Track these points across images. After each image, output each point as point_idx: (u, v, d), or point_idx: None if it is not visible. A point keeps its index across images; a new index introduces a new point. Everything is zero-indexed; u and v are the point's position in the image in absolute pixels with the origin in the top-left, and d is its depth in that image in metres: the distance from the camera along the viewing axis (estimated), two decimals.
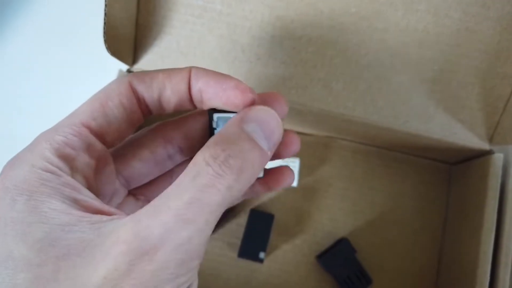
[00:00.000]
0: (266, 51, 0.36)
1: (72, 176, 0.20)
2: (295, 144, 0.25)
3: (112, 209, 0.20)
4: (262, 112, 0.21)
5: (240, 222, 0.43)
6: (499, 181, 0.37)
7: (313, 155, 0.45)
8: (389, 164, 0.45)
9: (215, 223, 0.19)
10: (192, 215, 0.18)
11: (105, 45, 0.33)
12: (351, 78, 0.36)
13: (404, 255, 0.43)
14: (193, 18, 0.36)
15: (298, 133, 0.44)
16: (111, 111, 0.22)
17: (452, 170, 0.44)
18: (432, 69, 0.35)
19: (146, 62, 0.37)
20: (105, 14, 0.32)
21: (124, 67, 0.37)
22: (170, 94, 0.23)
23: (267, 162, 0.21)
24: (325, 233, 0.43)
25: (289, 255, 0.43)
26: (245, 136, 0.20)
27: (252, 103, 0.22)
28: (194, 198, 0.18)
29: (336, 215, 0.44)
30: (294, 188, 0.43)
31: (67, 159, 0.20)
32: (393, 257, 0.43)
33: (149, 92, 0.22)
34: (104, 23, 0.32)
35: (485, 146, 0.37)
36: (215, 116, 0.23)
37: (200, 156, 0.19)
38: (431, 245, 0.43)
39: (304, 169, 0.44)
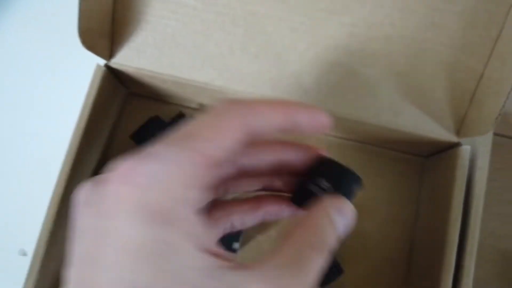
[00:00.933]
0: (239, 46, 0.37)
1: (191, 206, 0.19)
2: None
3: (223, 252, 0.20)
4: (346, 206, 0.24)
5: None
6: (466, 172, 0.38)
7: None
8: (363, 157, 0.46)
9: None
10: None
11: (80, 40, 0.34)
12: (322, 72, 0.37)
13: (376, 246, 0.44)
14: (168, 13, 0.37)
15: None
16: (226, 143, 0.20)
17: (425, 163, 0.45)
18: (400, 63, 0.37)
19: (123, 57, 0.38)
20: (79, 9, 0.33)
21: (102, 61, 0.38)
22: (276, 124, 0.22)
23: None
24: None
25: (264, 246, 0.44)
26: (333, 230, 0.23)
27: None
28: (302, 280, 0.20)
29: None
30: None
31: (189, 190, 0.19)
32: (365, 247, 0.44)
33: (258, 127, 0.22)
34: (79, 18, 0.33)
35: (453, 138, 0.38)
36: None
37: (300, 238, 0.21)
38: (403, 235, 0.44)
39: None
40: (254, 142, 0.23)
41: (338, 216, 0.23)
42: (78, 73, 0.40)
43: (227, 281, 0.17)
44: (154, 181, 0.18)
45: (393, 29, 0.36)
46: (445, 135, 0.38)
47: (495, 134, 0.45)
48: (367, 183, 0.45)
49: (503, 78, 0.33)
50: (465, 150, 0.38)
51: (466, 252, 0.37)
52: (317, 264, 0.21)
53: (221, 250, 0.19)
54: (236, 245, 0.42)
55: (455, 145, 0.39)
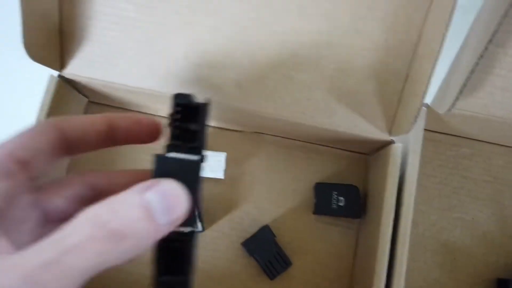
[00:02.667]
0: (180, 54, 0.40)
1: None
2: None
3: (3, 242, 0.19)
4: (170, 185, 0.20)
5: None
6: (398, 168, 0.40)
7: (240, 149, 0.48)
8: (311, 156, 0.48)
9: (78, 285, 0.18)
10: (43, 278, 0.16)
11: (27, 53, 0.36)
12: (259, 78, 0.40)
13: (323, 239, 0.46)
14: (111, 25, 0.39)
15: (226, 129, 0.48)
16: (38, 145, 0.23)
17: (368, 160, 0.48)
18: (330, 68, 0.39)
19: (74, 67, 0.41)
20: (22, 25, 0.35)
21: (55, 72, 0.41)
22: (93, 135, 0.25)
23: (160, 236, 0.20)
24: (251, 221, 0.47)
25: (218, 242, 0.46)
26: (140, 204, 0.19)
27: (158, 130, 0.26)
28: (53, 259, 0.17)
29: (261, 204, 0.47)
30: (221, 180, 0.47)
31: None
32: (312, 240, 0.46)
33: (73, 132, 0.25)
34: (23, 34, 0.35)
35: (386, 137, 0.40)
36: (155, 156, 0.22)
37: (84, 212, 0.18)
38: (349, 229, 0.46)
39: (231, 163, 0.47)
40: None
41: (157, 203, 0.20)
42: (33, 83, 0.42)
43: None
44: None
45: (320, 36, 0.38)
46: (378, 134, 0.40)
47: (434, 132, 0.48)
48: (314, 179, 0.47)
49: (420, 80, 0.35)
50: (397, 147, 0.40)
51: (398, 242, 0.39)
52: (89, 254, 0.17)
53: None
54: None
55: (389, 143, 0.41)
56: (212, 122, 0.48)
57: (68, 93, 0.44)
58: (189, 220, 0.22)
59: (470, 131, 0.46)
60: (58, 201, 0.24)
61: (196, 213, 0.22)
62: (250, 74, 0.40)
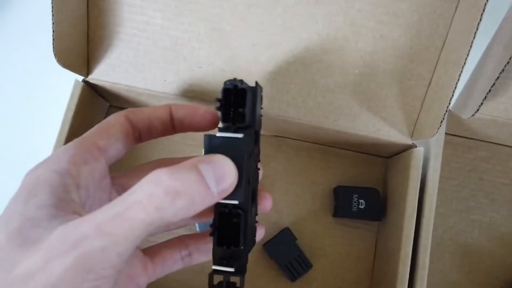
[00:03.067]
0: (205, 60, 0.40)
1: (74, 179, 0.23)
2: (269, 200, 0.32)
3: (84, 213, 0.22)
4: (220, 158, 0.23)
5: None
6: (420, 172, 0.41)
7: (261, 152, 0.49)
8: (330, 159, 0.49)
9: (140, 239, 0.20)
10: (110, 228, 0.19)
11: (56, 59, 0.37)
12: (283, 83, 0.40)
13: (342, 241, 0.47)
14: (138, 32, 0.40)
15: None
16: (113, 134, 0.27)
17: (387, 163, 0.48)
18: (353, 73, 0.39)
19: (99, 73, 0.41)
20: (53, 32, 0.35)
21: (79, 77, 0.41)
22: (158, 123, 0.29)
23: (211, 203, 0.22)
24: (272, 223, 0.47)
25: None
26: (196, 170, 0.22)
27: (214, 118, 0.29)
28: (117, 213, 0.20)
29: (281, 207, 0.48)
30: None
31: (75, 165, 0.24)
32: (332, 243, 0.47)
33: (141, 122, 0.29)
34: (53, 40, 0.36)
35: (408, 141, 0.41)
36: (205, 136, 0.25)
37: (147, 175, 0.21)
38: (368, 232, 0.47)
39: None
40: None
41: (209, 171, 0.22)
42: (58, 88, 0.43)
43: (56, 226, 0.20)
44: (39, 165, 0.24)
45: (346, 42, 0.39)
46: (400, 137, 0.41)
47: (453, 135, 0.48)
48: (333, 182, 0.48)
49: (446, 85, 0.36)
50: (419, 151, 0.41)
51: (421, 246, 0.40)
52: (170, 210, 0.20)
53: (83, 211, 0.23)
54: None
55: (410, 147, 0.42)
56: None
57: (91, 98, 0.44)
58: (235, 193, 0.24)
59: (488, 134, 0.47)
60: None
61: (243, 187, 0.24)
62: (274, 79, 0.40)
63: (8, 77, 0.52)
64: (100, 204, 0.26)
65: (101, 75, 0.41)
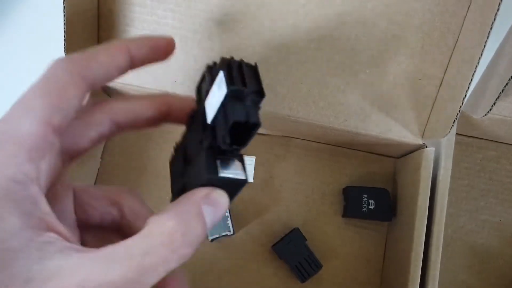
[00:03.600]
0: (216, 60, 0.40)
1: (37, 182, 0.19)
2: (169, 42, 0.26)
3: (62, 229, 0.19)
4: (222, 199, 0.22)
5: None
6: (431, 172, 0.41)
7: (270, 153, 0.49)
8: (339, 159, 0.48)
9: None
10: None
11: None
12: (294, 83, 0.40)
13: (352, 242, 0.47)
14: (149, 32, 0.40)
15: None
16: (68, 103, 0.21)
17: (397, 163, 0.48)
18: (365, 72, 0.39)
19: None
20: (65, 32, 0.35)
21: None
22: (116, 70, 0.24)
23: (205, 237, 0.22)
24: (281, 224, 0.47)
25: (248, 245, 0.47)
26: (202, 220, 0.21)
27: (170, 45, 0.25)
28: (134, 279, 0.18)
29: (290, 207, 0.47)
30: (250, 183, 0.47)
31: (35, 164, 0.19)
32: (342, 243, 0.47)
33: (98, 77, 0.23)
34: (64, 40, 0.36)
35: (418, 141, 0.41)
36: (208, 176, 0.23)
37: (156, 230, 0.20)
38: (378, 232, 0.47)
39: (261, 166, 0.48)
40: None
41: (210, 215, 0.22)
42: None
43: (54, 259, 0.18)
44: None
45: (357, 42, 0.38)
46: (410, 137, 0.41)
47: (462, 135, 0.48)
48: (342, 182, 0.48)
49: (459, 85, 0.35)
50: (430, 151, 0.41)
51: (432, 246, 0.39)
52: (162, 260, 0.19)
53: (60, 226, 0.19)
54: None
55: (421, 147, 0.42)
56: None
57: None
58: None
59: (497, 134, 0.46)
60: (83, 143, 0.24)
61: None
62: (284, 79, 0.40)
63: (15, 78, 0.52)
64: (61, 208, 0.23)
65: None
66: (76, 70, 0.22)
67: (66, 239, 0.19)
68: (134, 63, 0.25)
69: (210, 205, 0.22)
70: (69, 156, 0.23)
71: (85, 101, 0.22)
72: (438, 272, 0.39)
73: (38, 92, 0.20)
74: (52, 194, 0.21)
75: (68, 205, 0.23)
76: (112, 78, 0.24)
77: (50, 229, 0.19)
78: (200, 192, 0.22)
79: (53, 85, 0.21)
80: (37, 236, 0.18)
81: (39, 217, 0.18)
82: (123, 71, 0.24)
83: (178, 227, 0.20)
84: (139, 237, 0.19)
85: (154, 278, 0.19)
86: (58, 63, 0.22)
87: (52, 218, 0.19)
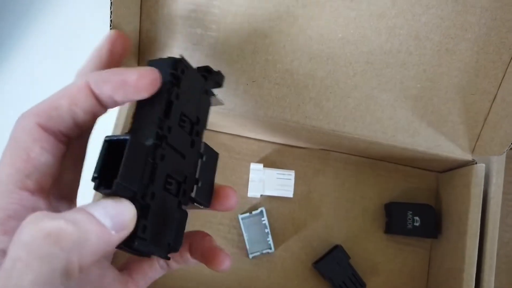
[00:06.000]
0: (260, 74, 0.39)
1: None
2: (231, 199, 0.27)
3: None
4: (109, 200, 0.21)
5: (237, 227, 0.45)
6: (482, 189, 0.39)
7: (308, 166, 0.47)
8: (380, 173, 0.47)
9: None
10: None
11: None
12: (341, 97, 0.39)
13: (395, 259, 0.45)
14: (191, 45, 0.39)
15: (293, 147, 0.47)
16: (38, 161, 0.21)
17: (440, 178, 0.47)
18: (415, 87, 0.38)
19: None
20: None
21: None
22: (83, 114, 0.23)
23: (112, 241, 0.20)
24: (321, 240, 0.46)
25: (288, 262, 0.45)
26: (84, 211, 0.19)
27: (155, 83, 0.23)
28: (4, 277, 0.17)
29: (330, 222, 0.46)
30: (290, 198, 0.46)
31: (8, 236, 0.19)
32: (384, 260, 0.45)
33: (61, 123, 0.22)
34: None
35: (468, 156, 0.40)
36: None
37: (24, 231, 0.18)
38: (421, 249, 0.46)
39: (299, 180, 0.46)
40: None
41: (100, 209, 0.20)
42: None
43: None
44: None
45: (409, 56, 0.37)
46: (460, 153, 0.40)
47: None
48: (382, 197, 0.46)
49: None
50: (480, 167, 0.39)
51: (485, 266, 0.38)
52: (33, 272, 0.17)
53: None
54: None
55: (470, 163, 0.40)
56: (279, 139, 0.47)
57: None
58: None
59: None
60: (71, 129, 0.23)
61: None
62: (331, 93, 0.39)
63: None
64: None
65: None
66: (36, 126, 0.21)
67: None
68: (103, 100, 0.23)
69: (96, 207, 0.20)
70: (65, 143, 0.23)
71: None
72: None
73: (5, 160, 0.21)
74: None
75: None
76: (86, 121, 0.23)
77: None
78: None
79: (17, 150, 0.21)
80: None
81: None
82: (96, 112, 0.23)
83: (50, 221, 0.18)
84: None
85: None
86: (19, 122, 0.22)
87: None
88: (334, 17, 0.37)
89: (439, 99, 0.38)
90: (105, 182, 0.21)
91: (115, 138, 0.22)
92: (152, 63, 0.26)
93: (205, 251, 0.28)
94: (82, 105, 0.22)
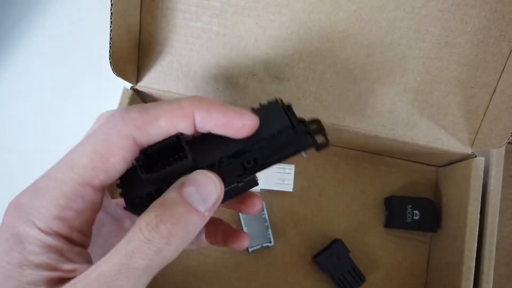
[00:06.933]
0: (260, 68, 0.39)
1: (69, 235, 0.21)
2: (257, 206, 0.29)
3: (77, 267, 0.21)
4: (200, 175, 0.22)
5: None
6: (481, 182, 0.39)
7: (308, 161, 0.47)
8: (379, 168, 0.47)
9: (147, 282, 0.20)
10: (119, 282, 0.19)
11: (111, 68, 0.35)
12: (341, 91, 0.39)
13: (395, 253, 0.45)
14: (192, 38, 0.39)
15: None
16: (113, 168, 0.22)
17: (439, 172, 0.47)
18: (415, 80, 0.38)
19: (149, 81, 0.40)
20: (111, 38, 0.34)
21: (128, 84, 0.40)
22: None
23: (205, 223, 0.22)
24: (321, 234, 0.46)
25: (287, 256, 0.45)
26: (182, 200, 0.21)
27: (251, 131, 0.23)
28: (122, 264, 0.19)
29: (330, 217, 0.46)
30: (289, 192, 0.46)
31: (67, 222, 0.21)
32: (384, 254, 0.45)
33: (151, 140, 0.22)
34: (110, 47, 0.34)
35: (467, 150, 0.40)
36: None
37: (137, 222, 0.20)
38: (421, 243, 0.46)
39: (299, 175, 0.46)
40: None
41: (194, 194, 0.21)
42: (105, 95, 0.41)
43: None
44: (24, 217, 0.21)
45: (409, 49, 0.37)
46: (460, 147, 0.40)
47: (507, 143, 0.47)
48: (382, 191, 0.47)
49: None
50: (480, 161, 0.40)
51: (484, 259, 0.38)
52: (156, 253, 0.20)
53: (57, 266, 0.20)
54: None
55: (469, 157, 0.40)
56: None
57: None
58: None
59: None
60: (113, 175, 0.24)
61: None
62: (331, 87, 0.39)
63: (53, 85, 0.51)
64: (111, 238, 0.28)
65: (151, 83, 0.40)
66: (131, 133, 0.22)
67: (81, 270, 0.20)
68: (196, 131, 0.23)
69: (189, 185, 0.21)
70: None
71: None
72: (491, 285, 0.38)
73: (85, 150, 0.21)
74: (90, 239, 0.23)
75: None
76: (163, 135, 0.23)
77: (69, 273, 0.20)
78: (178, 181, 0.22)
79: (102, 148, 0.21)
80: (63, 279, 0.20)
81: (65, 262, 0.20)
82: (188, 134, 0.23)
83: (154, 212, 0.20)
84: (126, 234, 0.20)
85: (144, 260, 0.19)
86: (113, 120, 0.22)
87: (72, 265, 0.21)
88: (334, 10, 0.37)
89: (439, 92, 0.38)
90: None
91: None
92: (263, 109, 0.24)
93: (226, 233, 0.31)
94: (181, 130, 0.23)
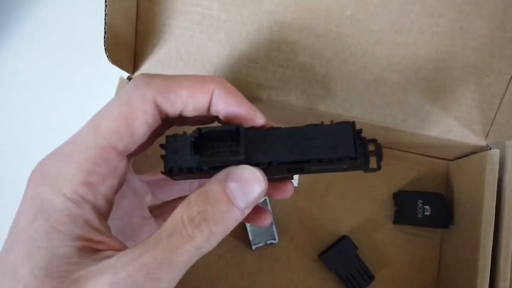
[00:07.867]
0: (264, 55, 0.37)
1: (92, 201, 0.21)
2: (289, 190, 0.28)
3: (112, 242, 0.21)
4: (247, 172, 0.22)
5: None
6: (496, 176, 0.38)
7: None
8: (388, 162, 0.45)
9: (183, 274, 0.21)
10: (160, 274, 0.19)
11: (106, 55, 0.33)
12: (349, 79, 0.37)
13: (404, 250, 0.44)
14: (192, 25, 0.37)
15: None
16: (137, 131, 0.22)
17: (450, 166, 0.45)
18: (428, 68, 0.36)
19: (146, 69, 0.38)
20: (105, 24, 0.32)
21: (125, 74, 0.38)
22: (192, 111, 0.24)
23: (241, 220, 0.22)
24: (327, 231, 0.44)
25: (292, 253, 0.44)
26: (225, 197, 0.21)
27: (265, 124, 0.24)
28: (164, 258, 0.19)
29: (337, 213, 0.44)
30: (294, 188, 0.44)
31: (93, 187, 0.21)
32: (394, 252, 0.44)
33: (172, 109, 0.23)
34: (105, 33, 0.32)
35: (482, 142, 0.38)
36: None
37: (179, 213, 0.21)
38: (431, 239, 0.44)
39: None
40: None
41: (237, 191, 0.21)
42: (101, 85, 0.40)
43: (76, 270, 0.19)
44: (48, 180, 0.20)
45: (421, 35, 0.35)
46: (473, 138, 0.38)
47: None
48: (391, 186, 0.45)
49: None
50: (495, 153, 0.38)
51: (500, 256, 0.36)
52: (194, 242, 0.20)
53: (109, 239, 0.21)
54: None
55: (483, 149, 0.38)
56: (284, 125, 0.45)
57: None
58: None
59: None
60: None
61: None
62: (339, 75, 0.37)
63: (48, 75, 0.49)
64: (131, 213, 0.28)
65: (148, 72, 0.38)
66: (153, 97, 0.22)
67: (113, 248, 0.21)
68: (212, 111, 0.24)
69: (234, 181, 0.21)
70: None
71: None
72: (508, 284, 0.36)
73: (110, 114, 0.22)
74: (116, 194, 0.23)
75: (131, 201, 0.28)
76: (189, 115, 0.24)
77: (100, 242, 0.21)
78: (223, 171, 0.22)
79: (125, 111, 0.22)
80: (93, 251, 0.20)
81: (92, 232, 0.21)
82: (200, 113, 0.24)
83: (197, 207, 0.21)
84: (167, 222, 0.21)
85: (185, 256, 0.20)
86: (137, 84, 0.22)
87: (98, 235, 0.21)
88: None
89: (453, 81, 0.36)
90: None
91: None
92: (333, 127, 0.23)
93: None
94: (197, 104, 0.23)
